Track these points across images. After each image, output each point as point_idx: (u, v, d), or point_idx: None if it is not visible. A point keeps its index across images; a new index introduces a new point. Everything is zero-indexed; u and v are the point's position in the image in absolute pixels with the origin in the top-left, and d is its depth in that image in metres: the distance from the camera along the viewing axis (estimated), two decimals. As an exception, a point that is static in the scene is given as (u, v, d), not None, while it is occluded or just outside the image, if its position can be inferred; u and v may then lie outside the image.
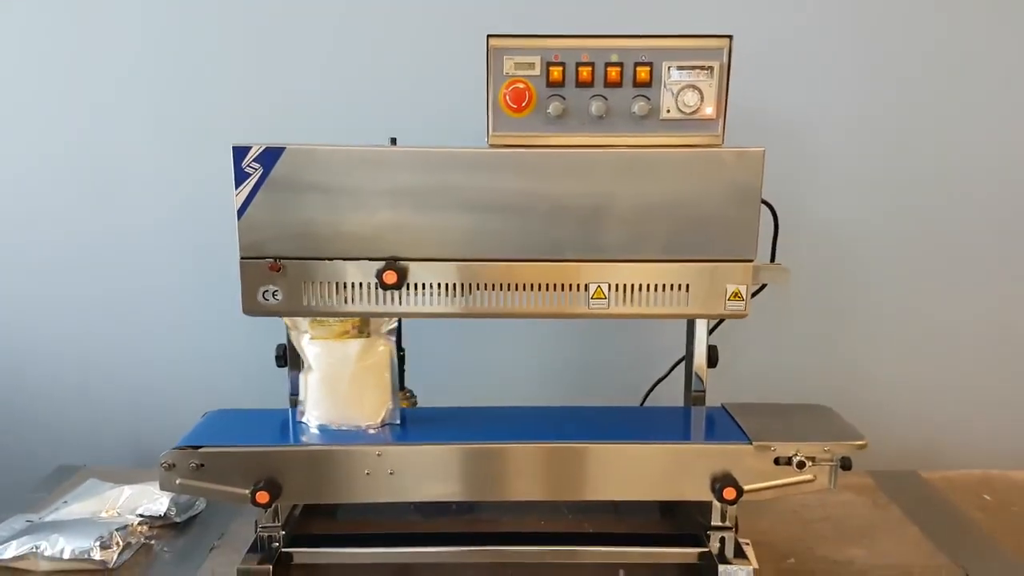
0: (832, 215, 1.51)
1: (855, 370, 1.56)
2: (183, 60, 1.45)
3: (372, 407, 1.11)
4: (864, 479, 1.40)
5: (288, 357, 1.18)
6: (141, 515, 1.22)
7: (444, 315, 1.04)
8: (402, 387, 1.28)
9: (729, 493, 1.02)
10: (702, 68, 1.00)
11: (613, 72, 1.00)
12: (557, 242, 1.01)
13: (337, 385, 1.10)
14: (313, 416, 1.11)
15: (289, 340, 1.14)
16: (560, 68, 1.00)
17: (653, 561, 1.10)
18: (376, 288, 1.02)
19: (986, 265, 1.53)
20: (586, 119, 1.01)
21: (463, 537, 1.14)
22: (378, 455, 1.04)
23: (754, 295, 1.06)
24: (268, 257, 1.00)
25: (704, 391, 1.21)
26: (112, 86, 1.45)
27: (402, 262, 1.01)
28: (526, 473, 1.06)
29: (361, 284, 1.02)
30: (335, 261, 1.01)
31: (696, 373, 1.21)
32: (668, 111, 1.01)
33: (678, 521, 1.22)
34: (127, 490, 1.26)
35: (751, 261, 1.01)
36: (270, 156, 0.98)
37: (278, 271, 1.00)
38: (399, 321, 1.27)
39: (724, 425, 1.12)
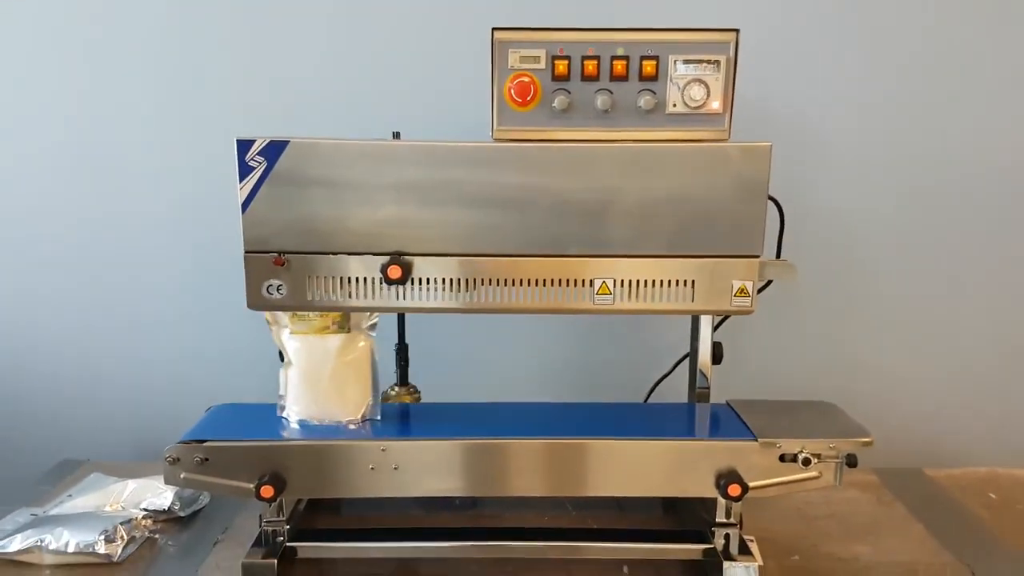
0: (837, 211, 1.50)
1: (860, 367, 1.56)
2: (184, 54, 1.44)
3: (353, 402, 1.11)
4: (869, 476, 1.39)
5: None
6: (145, 509, 1.22)
7: (448, 310, 1.03)
8: (405, 383, 1.28)
9: (734, 490, 1.02)
10: (709, 62, 0.99)
11: (619, 66, 0.99)
12: (562, 237, 1.01)
13: (317, 380, 1.09)
14: (294, 411, 1.11)
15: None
16: (565, 62, 0.99)
17: (657, 557, 1.10)
18: (380, 283, 1.01)
19: (993, 261, 1.52)
20: (591, 113, 1.00)
21: (466, 532, 1.14)
22: (382, 450, 1.04)
23: (760, 291, 1.05)
24: (272, 251, 1.00)
25: (708, 388, 1.21)
26: (113, 81, 1.45)
27: (406, 257, 1.00)
28: (531, 469, 1.06)
29: (365, 279, 1.02)
30: (339, 255, 1.01)
31: (700, 370, 1.20)
32: (674, 105, 1.00)
33: (682, 517, 1.21)
34: (131, 484, 1.26)
35: (757, 257, 1.01)
36: (274, 150, 0.98)
37: (282, 265, 1.00)
38: (402, 316, 1.27)
39: (729, 422, 1.11)
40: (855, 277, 1.53)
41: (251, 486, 1.02)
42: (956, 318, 1.54)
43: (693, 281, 1.01)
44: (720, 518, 1.08)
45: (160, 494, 1.23)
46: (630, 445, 1.05)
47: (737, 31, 0.99)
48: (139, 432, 1.58)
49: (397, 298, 1.02)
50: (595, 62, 0.99)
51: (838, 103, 1.46)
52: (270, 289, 1.02)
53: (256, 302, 1.02)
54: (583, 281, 1.02)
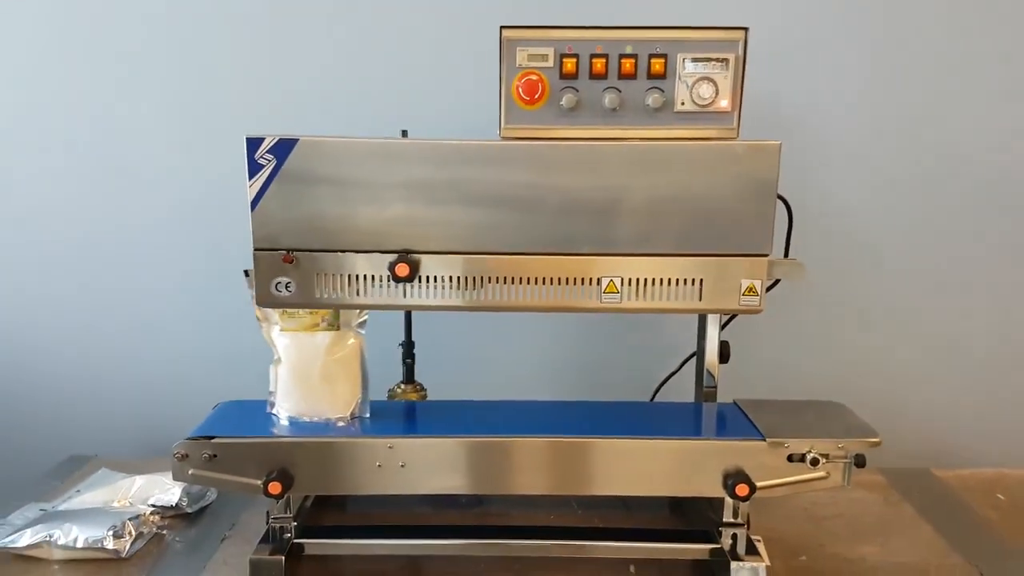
0: (845, 209, 1.49)
1: (867, 366, 1.55)
2: (192, 53, 1.45)
3: (342, 400, 1.11)
4: (876, 476, 1.39)
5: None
6: (153, 505, 1.22)
7: (456, 308, 1.03)
8: (412, 380, 1.29)
9: (742, 490, 1.01)
10: (717, 60, 0.99)
11: (627, 64, 0.99)
12: (570, 235, 1.00)
13: (307, 377, 1.09)
14: (283, 408, 1.11)
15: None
16: (574, 60, 0.99)
17: (664, 557, 1.10)
18: (388, 281, 1.01)
19: (1003, 261, 1.51)
20: (599, 111, 1.00)
21: (473, 530, 1.14)
22: (390, 447, 1.04)
23: (767, 291, 1.05)
24: (281, 249, 1.00)
25: (715, 387, 1.20)
26: (119, 80, 1.46)
27: (414, 255, 1.01)
28: (537, 467, 1.06)
29: (373, 276, 1.02)
30: (347, 253, 1.01)
31: (707, 369, 1.20)
32: (683, 103, 1.00)
33: (688, 517, 1.21)
34: (139, 480, 1.27)
35: (766, 256, 1.00)
36: (283, 147, 0.98)
37: (291, 263, 1.00)
38: (409, 314, 1.27)
39: (737, 421, 1.11)
40: (863, 276, 1.52)
41: (259, 482, 1.03)
42: (964, 318, 1.53)
43: (701, 280, 1.01)
44: (727, 518, 1.08)
45: (168, 490, 1.24)
46: (637, 444, 1.05)
47: (746, 29, 0.98)
48: (146, 428, 1.59)
49: (405, 296, 1.02)
50: (603, 60, 0.99)
51: (846, 102, 1.45)
52: (279, 286, 1.02)
53: (265, 299, 1.03)
54: (591, 280, 1.02)
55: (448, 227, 1.00)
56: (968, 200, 1.49)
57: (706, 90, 0.99)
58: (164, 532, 1.19)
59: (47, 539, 1.11)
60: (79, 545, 1.10)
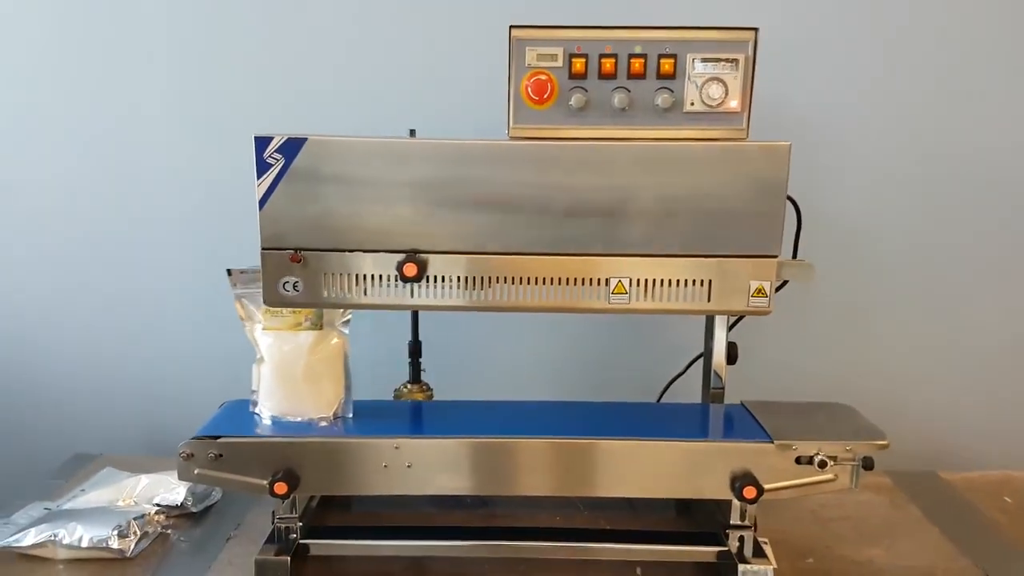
0: (852, 211, 1.49)
1: (874, 368, 1.54)
2: (199, 52, 1.44)
3: (325, 399, 1.10)
4: (882, 479, 1.38)
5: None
6: (158, 504, 1.22)
7: (463, 308, 1.03)
8: (418, 380, 1.28)
9: (749, 492, 1.01)
10: (727, 61, 0.99)
11: (636, 64, 0.98)
12: (578, 236, 1.00)
13: (289, 376, 1.09)
14: (266, 407, 1.10)
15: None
16: (583, 60, 0.98)
17: (671, 559, 1.09)
18: (395, 281, 1.01)
19: (1010, 264, 1.51)
20: (608, 111, 1.00)
21: (478, 531, 1.14)
22: (396, 448, 1.04)
23: (775, 292, 1.04)
24: (289, 248, 1.00)
25: (723, 388, 1.20)
26: (125, 80, 1.45)
27: (422, 255, 1.00)
28: (544, 468, 1.05)
29: (381, 276, 1.01)
30: (355, 253, 1.01)
31: (715, 370, 1.20)
32: (692, 104, 0.99)
33: (694, 518, 1.21)
34: (144, 479, 1.26)
35: (776, 257, 1.00)
36: (292, 147, 0.97)
37: (299, 262, 1.00)
38: (416, 314, 1.27)
39: (744, 423, 1.11)
40: (870, 278, 1.52)
41: (265, 482, 1.02)
42: (971, 321, 1.53)
43: (710, 281, 1.01)
44: (735, 520, 1.08)
45: (173, 489, 1.24)
46: (644, 446, 1.05)
47: (756, 30, 0.98)
48: (151, 427, 1.59)
49: (412, 296, 1.02)
50: (612, 60, 0.98)
51: (854, 103, 1.45)
52: (286, 286, 1.01)
53: (272, 299, 1.02)
54: (599, 280, 1.01)
55: (456, 227, 1.00)
56: (976, 203, 1.48)
57: (716, 90, 0.99)
58: (169, 532, 1.19)
59: (52, 538, 1.10)
60: (84, 545, 1.10)
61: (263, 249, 1.01)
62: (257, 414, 1.11)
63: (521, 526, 1.17)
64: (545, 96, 0.99)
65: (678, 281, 1.01)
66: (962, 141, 1.46)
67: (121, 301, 1.54)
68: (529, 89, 0.99)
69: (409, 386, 1.28)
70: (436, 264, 1.01)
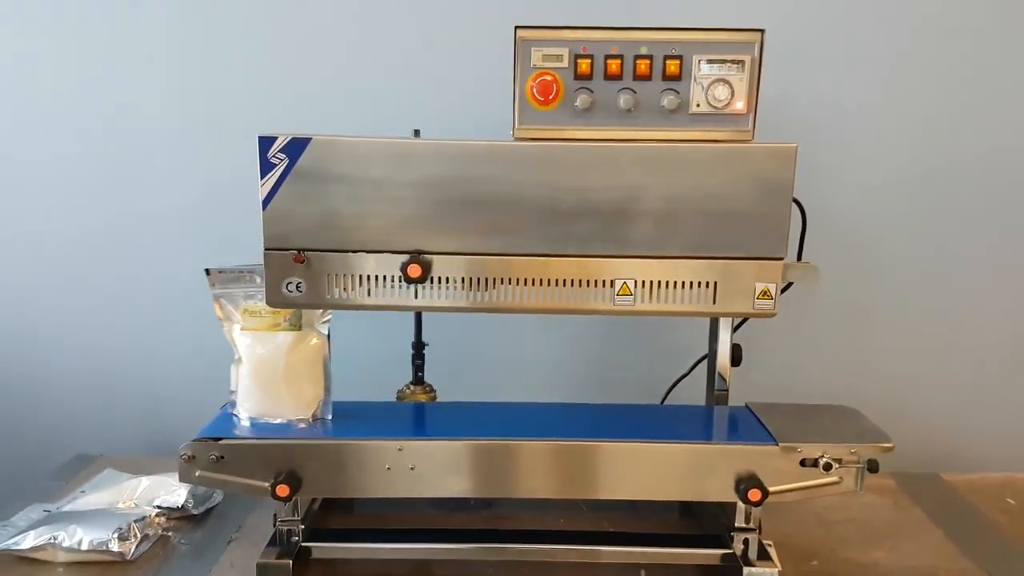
0: (855, 213, 1.49)
1: (876, 370, 1.54)
2: (203, 51, 1.43)
3: (305, 400, 1.09)
4: (886, 481, 1.38)
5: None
6: (159, 506, 1.21)
7: (467, 310, 1.02)
8: (421, 382, 1.28)
9: (754, 495, 1.01)
10: (733, 62, 0.98)
11: (642, 65, 0.98)
12: (583, 237, 1.00)
13: (268, 377, 1.08)
14: (244, 408, 1.09)
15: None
16: (588, 60, 0.98)
17: (675, 562, 1.09)
18: (399, 281, 1.00)
19: (1014, 266, 1.51)
20: (614, 112, 0.99)
21: (482, 534, 1.13)
22: (399, 450, 1.03)
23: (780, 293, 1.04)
24: (292, 249, 0.99)
25: (727, 390, 1.20)
26: (129, 80, 1.44)
27: (426, 256, 1.00)
28: (550, 471, 1.05)
29: (385, 277, 1.01)
30: (359, 253, 1.00)
31: (719, 372, 1.19)
32: (698, 105, 0.99)
33: (697, 521, 1.20)
34: (144, 481, 1.26)
35: (782, 259, 1.00)
36: (296, 147, 0.97)
37: (302, 263, 0.99)
38: (419, 315, 1.26)
39: (749, 425, 1.10)
40: (873, 280, 1.52)
41: (267, 485, 1.02)
42: (974, 322, 1.53)
43: (715, 283, 1.00)
44: (739, 523, 1.08)
45: (173, 491, 1.23)
46: (649, 448, 1.04)
47: (762, 31, 0.98)
48: (152, 428, 1.58)
49: (416, 297, 1.02)
50: (618, 61, 0.98)
51: (860, 105, 1.44)
52: (289, 286, 1.01)
53: (275, 300, 1.02)
54: (604, 282, 1.01)
55: (460, 228, 0.99)
56: (979, 203, 1.48)
57: (722, 92, 0.99)
58: (170, 534, 1.18)
59: (51, 541, 1.09)
60: (84, 547, 1.09)
61: (266, 249, 1.00)
62: (236, 415, 1.10)
63: (525, 528, 1.16)
64: (550, 97, 0.99)
65: (683, 283, 1.00)
66: (968, 143, 1.46)
67: (122, 301, 1.53)
68: (534, 90, 0.98)
69: (412, 387, 1.27)
70: (440, 265, 1.00)
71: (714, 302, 1.01)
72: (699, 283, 1.00)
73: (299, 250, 1.00)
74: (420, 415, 1.20)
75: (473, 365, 1.50)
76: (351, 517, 1.23)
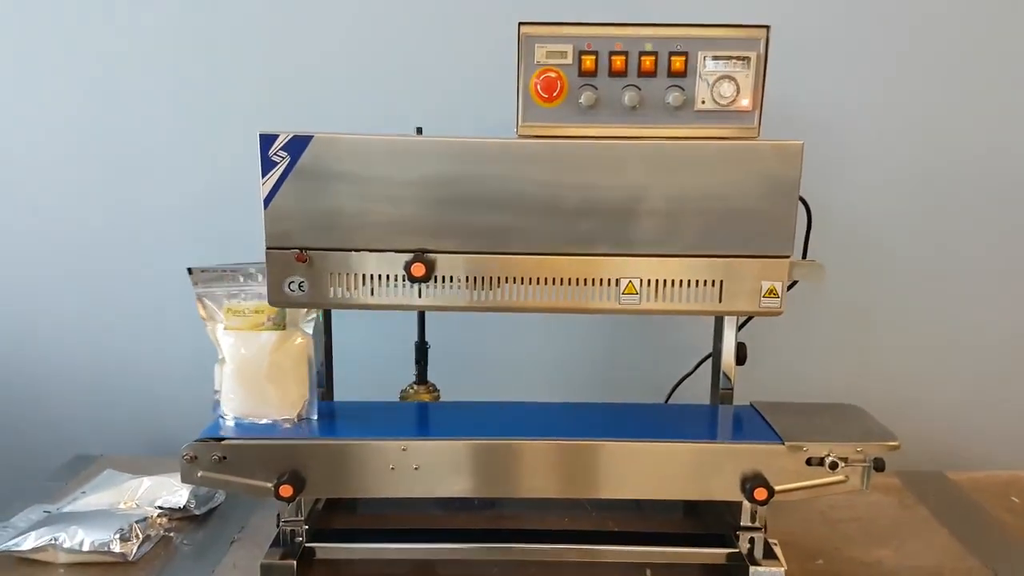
0: (860, 212, 1.48)
1: (880, 369, 1.54)
2: (205, 48, 1.42)
3: (289, 400, 1.08)
4: (891, 479, 1.38)
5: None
6: (160, 507, 1.20)
7: (471, 309, 1.01)
8: (424, 381, 1.27)
9: (760, 494, 1.00)
10: (739, 59, 0.98)
11: (647, 61, 0.97)
12: (588, 236, 0.99)
13: (252, 377, 1.07)
14: (228, 408, 1.08)
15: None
16: (593, 57, 0.97)
17: (681, 561, 1.08)
18: (402, 281, 1.00)
19: (1017, 265, 1.50)
20: (619, 109, 0.99)
21: (486, 534, 1.12)
22: (403, 450, 1.03)
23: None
24: (294, 248, 0.98)
25: (732, 389, 1.19)
26: (129, 78, 1.43)
27: (430, 254, 0.99)
28: (554, 470, 1.04)
29: (387, 276, 1.00)
30: (361, 252, 0.99)
31: (724, 371, 1.19)
32: (703, 102, 0.98)
33: (702, 520, 1.20)
34: (146, 481, 1.25)
35: (788, 257, 0.99)
36: (298, 145, 0.96)
37: (304, 262, 0.99)
38: (422, 315, 1.26)
39: (754, 424, 1.10)
40: (876, 278, 1.51)
41: (270, 485, 1.01)
42: (978, 321, 1.52)
43: (721, 281, 1.00)
44: (745, 522, 1.07)
45: (175, 492, 1.22)
46: (655, 447, 1.04)
47: (768, 27, 0.97)
48: (153, 427, 1.57)
49: (420, 296, 1.01)
50: (623, 58, 0.97)
51: (863, 103, 1.44)
52: (291, 286, 1.00)
53: (277, 299, 1.01)
54: (609, 280, 1.00)
55: (464, 226, 0.99)
56: (983, 203, 1.47)
57: (727, 89, 0.98)
58: (172, 535, 1.18)
59: (52, 542, 1.08)
60: (85, 548, 1.08)
61: (268, 248, 0.99)
62: (223, 416, 1.09)
63: (529, 528, 1.16)
64: (554, 94, 0.98)
65: (689, 281, 1.00)
66: (969, 143, 1.45)
67: (122, 299, 1.52)
68: (538, 87, 0.98)
69: (416, 387, 1.26)
70: (444, 264, 0.99)
71: (720, 301, 1.00)
72: (705, 282, 1.00)
73: (301, 249, 0.99)
74: (424, 415, 1.19)
75: (476, 365, 1.49)
76: (354, 517, 1.22)
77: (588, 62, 0.97)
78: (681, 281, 1.00)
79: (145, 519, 1.16)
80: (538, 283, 1.00)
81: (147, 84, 1.44)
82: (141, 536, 1.12)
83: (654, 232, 0.99)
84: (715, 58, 0.98)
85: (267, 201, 0.97)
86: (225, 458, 1.02)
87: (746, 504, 1.05)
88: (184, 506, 1.21)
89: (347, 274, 1.00)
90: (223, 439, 1.03)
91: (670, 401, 1.38)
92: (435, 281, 1.00)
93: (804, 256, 1.17)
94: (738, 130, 0.99)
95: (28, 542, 1.09)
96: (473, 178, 0.98)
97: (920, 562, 1.14)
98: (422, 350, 1.26)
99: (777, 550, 1.07)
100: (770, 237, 0.99)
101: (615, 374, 1.54)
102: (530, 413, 1.16)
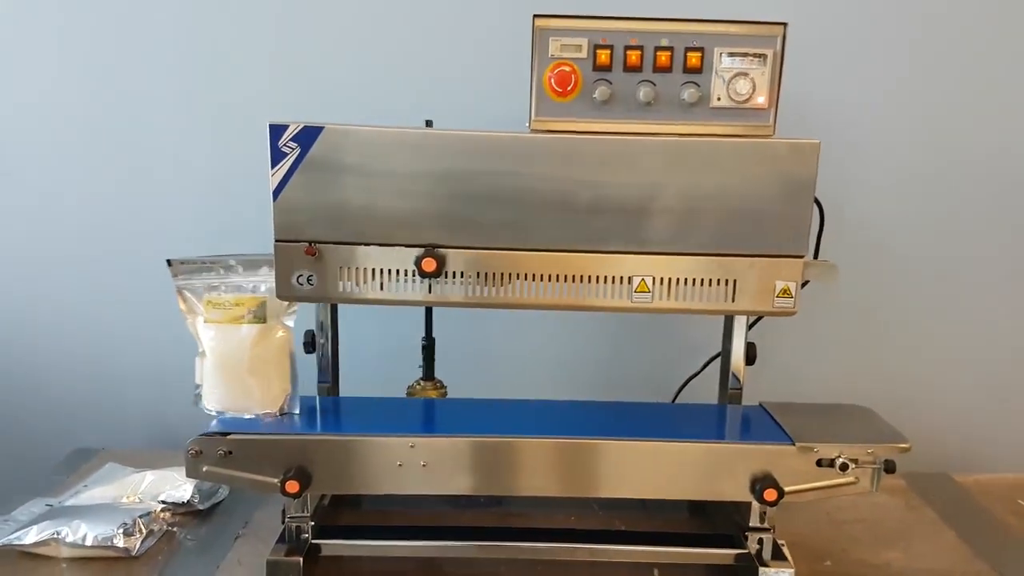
0: (870, 211, 1.47)
1: (888, 370, 1.53)
2: (214, 41, 1.41)
3: (271, 394, 1.06)
4: (897, 481, 1.37)
5: (316, 343, 1.16)
6: (163, 501, 1.19)
7: (481, 305, 1.00)
8: (431, 377, 1.26)
9: (770, 494, 0.99)
10: (755, 55, 0.97)
11: (663, 57, 0.96)
12: (601, 232, 0.98)
13: (233, 371, 1.05)
14: (209, 402, 1.07)
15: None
16: (608, 51, 0.96)
17: (688, 562, 1.08)
18: (412, 276, 0.99)
19: (1026, 266, 1.50)
20: (633, 105, 0.97)
21: (493, 532, 1.11)
22: (411, 446, 1.02)
23: (797, 292, 1.02)
24: (303, 240, 0.97)
25: (741, 389, 1.18)
26: (140, 67, 1.41)
27: (441, 249, 0.98)
28: (562, 469, 1.03)
29: (398, 271, 0.99)
30: (371, 246, 0.98)
31: (733, 371, 1.18)
32: (718, 99, 0.97)
33: (709, 520, 1.19)
34: (149, 475, 1.24)
35: (802, 257, 0.98)
36: (308, 135, 0.95)
37: (314, 255, 0.97)
38: (430, 310, 1.24)
39: (764, 425, 1.09)
40: (886, 279, 1.50)
41: (276, 480, 1.00)
42: (986, 324, 1.52)
43: (734, 281, 0.99)
44: (754, 522, 1.06)
45: (179, 486, 1.21)
46: (664, 447, 1.03)
47: (785, 25, 0.96)
48: (155, 420, 1.55)
49: (429, 292, 1.00)
50: (638, 52, 0.96)
51: (871, 105, 1.43)
52: (300, 279, 0.99)
53: (285, 292, 1.00)
54: (621, 278, 0.99)
55: (474, 221, 0.98)
56: (995, 204, 1.47)
57: (743, 86, 0.97)
58: (175, 529, 1.17)
59: (55, 536, 1.07)
60: (88, 543, 1.07)
61: (277, 241, 0.98)
62: (206, 409, 1.07)
63: (536, 527, 1.15)
64: (568, 88, 0.97)
65: (702, 280, 0.99)
66: (984, 143, 1.44)
67: (124, 290, 1.51)
68: (552, 81, 0.96)
69: (423, 383, 1.25)
70: (454, 259, 0.98)
71: (733, 300, 0.99)
72: (718, 280, 0.99)
73: (310, 242, 0.97)
74: (431, 411, 1.18)
75: (483, 361, 1.48)
76: (360, 514, 1.21)
77: (603, 56, 0.96)
78: (694, 280, 0.99)
79: (148, 513, 1.15)
80: (549, 280, 0.99)
81: (153, 73, 1.42)
82: (144, 531, 1.11)
83: (667, 230, 0.98)
84: (731, 55, 0.96)
85: (276, 193, 0.96)
86: (231, 453, 1.01)
87: (755, 505, 1.05)
88: (188, 501, 1.20)
89: (356, 268, 0.99)
90: (228, 434, 1.02)
91: (677, 401, 1.37)
92: (445, 276, 0.99)
93: (816, 256, 1.16)
94: (753, 128, 0.98)
95: (30, 536, 1.08)
96: (485, 172, 0.97)
97: (929, 565, 1.13)
98: (429, 346, 1.25)
99: (786, 551, 1.07)
100: (785, 236, 0.98)
101: (621, 372, 1.53)
102: (538, 411, 1.15)
